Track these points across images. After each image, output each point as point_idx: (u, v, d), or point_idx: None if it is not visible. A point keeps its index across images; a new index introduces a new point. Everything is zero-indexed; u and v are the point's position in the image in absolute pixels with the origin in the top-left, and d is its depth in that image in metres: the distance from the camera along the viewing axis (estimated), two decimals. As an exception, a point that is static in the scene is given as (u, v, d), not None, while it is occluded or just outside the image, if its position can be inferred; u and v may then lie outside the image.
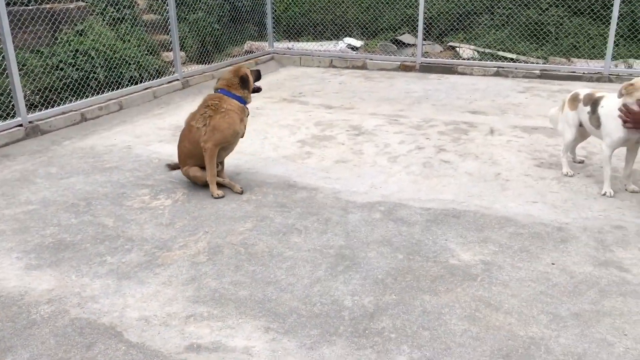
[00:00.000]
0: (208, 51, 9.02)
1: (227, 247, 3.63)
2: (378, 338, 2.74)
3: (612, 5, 8.14)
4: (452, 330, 2.79)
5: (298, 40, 10.79)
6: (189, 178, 4.55)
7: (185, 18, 8.91)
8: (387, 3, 10.39)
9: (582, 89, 4.70)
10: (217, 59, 8.98)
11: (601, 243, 3.59)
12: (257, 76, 4.69)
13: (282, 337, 2.76)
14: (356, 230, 3.82)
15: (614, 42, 8.21)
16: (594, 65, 8.57)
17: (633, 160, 4.38)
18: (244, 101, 4.48)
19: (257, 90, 4.63)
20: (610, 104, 4.26)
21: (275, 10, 10.77)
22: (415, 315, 2.90)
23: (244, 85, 4.45)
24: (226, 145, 4.46)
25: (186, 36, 8.78)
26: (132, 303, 3.05)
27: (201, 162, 4.43)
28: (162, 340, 2.75)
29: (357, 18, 10.66)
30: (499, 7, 9.84)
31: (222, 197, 4.35)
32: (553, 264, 3.37)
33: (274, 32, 10.37)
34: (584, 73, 8.39)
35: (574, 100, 4.62)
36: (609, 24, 8.19)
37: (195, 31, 8.96)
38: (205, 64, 8.66)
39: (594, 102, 4.40)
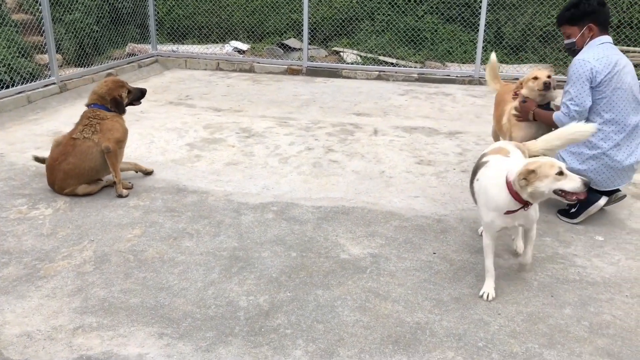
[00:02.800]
0: (87, 54, 8.60)
1: (115, 255, 3.51)
2: (274, 335, 2.79)
3: (479, 13, 8.80)
4: (345, 321, 2.90)
5: (183, 43, 10.59)
6: (76, 195, 4.35)
7: (60, 19, 8.43)
8: (272, 7, 10.50)
9: (498, 143, 3.53)
10: (97, 61, 8.58)
11: (476, 232, 3.89)
12: (138, 96, 4.65)
13: (177, 341, 2.73)
14: (249, 231, 3.84)
15: (483, 47, 8.89)
16: (466, 69, 9.21)
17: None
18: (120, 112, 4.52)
19: (136, 104, 4.68)
20: (490, 174, 3.13)
21: (158, 12, 10.49)
22: (309, 310, 2.99)
23: (117, 108, 4.44)
24: (121, 147, 4.45)
25: (62, 38, 8.31)
26: (11, 319, 2.86)
27: (88, 178, 4.31)
28: (48, 355, 2.61)
29: (243, 21, 10.66)
30: (379, 14, 10.29)
31: (127, 195, 4.39)
32: (434, 253, 3.61)
33: (158, 34, 10.10)
34: (457, 76, 9.00)
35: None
36: (478, 30, 8.86)
37: (73, 32, 8.51)
38: (85, 67, 8.25)
39: (475, 169, 3.32)
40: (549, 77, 4.16)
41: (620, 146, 3.86)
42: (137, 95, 4.60)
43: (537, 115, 4.15)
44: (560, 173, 2.83)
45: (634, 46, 9.46)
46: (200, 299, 3.07)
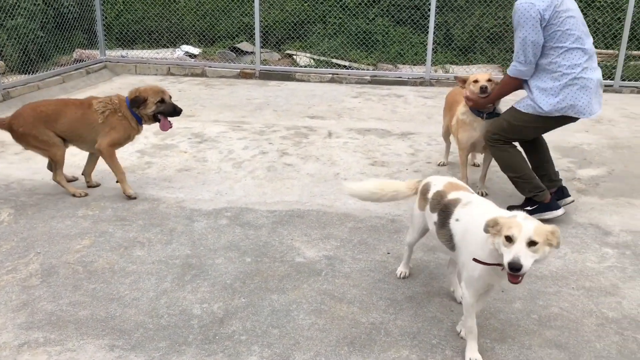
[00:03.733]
0: (32, 60, 8.33)
1: (63, 267, 3.40)
2: (229, 342, 2.76)
3: (429, 16, 8.96)
4: (300, 325, 2.90)
5: (133, 48, 10.39)
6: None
7: (1, 24, 8.15)
8: (224, 11, 10.42)
9: (435, 178, 3.04)
10: (42, 68, 8.32)
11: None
12: (170, 111, 4.48)
13: (129, 353, 2.66)
14: (202, 238, 3.79)
15: (433, 49, 9.05)
16: (417, 71, 9.36)
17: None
18: (139, 118, 4.45)
19: (156, 120, 4.50)
20: (474, 213, 2.64)
21: (106, 17, 10.27)
22: (264, 316, 2.96)
23: (133, 104, 4.37)
24: (116, 148, 4.49)
25: (5, 44, 8.03)
26: (-48, 338, 2.74)
27: (62, 132, 4.37)
28: (-9, 374, 2.51)
29: (194, 25, 10.54)
30: (330, 17, 10.35)
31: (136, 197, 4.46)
32: (389, 253, 3.64)
33: (106, 39, 9.88)
34: (408, 78, 9.13)
35: (423, 195, 3.03)
36: (428, 33, 9.01)
37: (16, 39, 8.23)
38: (29, 73, 7.99)
39: (443, 208, 2.82)
40: (489, 80, 4.23)
41: (587, 68, 3.87)
42: (169, 110, 4.46)
43: (495, 95, 4.17)
44: (509, 239, 2.28)
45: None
46: (152, 308, 3.01)
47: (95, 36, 9.67)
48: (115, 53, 9.93)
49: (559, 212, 4.09)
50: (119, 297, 3.10)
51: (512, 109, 4.09)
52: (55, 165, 4.42)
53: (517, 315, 3.00)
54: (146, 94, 4.36)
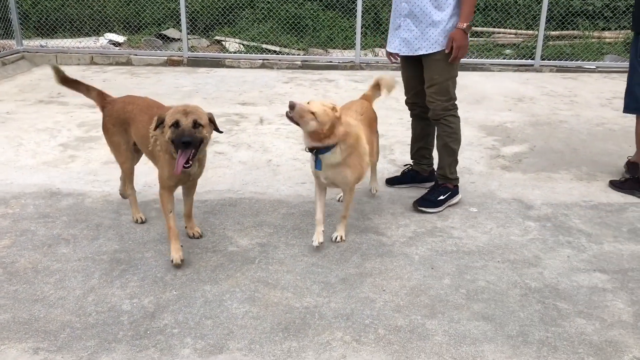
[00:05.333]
0: (-61, 51, 7.80)
1: (-19, 269, 3.22)
2: (161, 336, 2.70)
3: None
4: (234, 314, 2.87)
5: (53, 37, 9.91)
6: None
7: None
8: (148, -3, 10.09)
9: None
10: (-48, 59, 7.81)
11: (361, 213, 4.00)
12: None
13: (55, 355, 2.56)
14: (131, 232, 3.69)
15: (362, 33, 9.11)
16: (347, 55, 9.41)
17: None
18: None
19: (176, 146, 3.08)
20: None
21: (22, 5, 9.73)
22: (197, 307, 2.92)
23: (156, 125, 3.18)
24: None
25: None
26: None
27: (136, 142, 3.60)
28: None
29: (118, 12, 10.17)
30: (259, 2, 10.22)
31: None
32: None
33: (22, 28, 9.37)
34: (339, 62, 9.17)
35: None
36: (356, 16, 9.06)
37: None
38: (-63, 65, 7.49)
39: None
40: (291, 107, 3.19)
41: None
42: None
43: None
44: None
45: (498, 27, 10.14)
46: (79, 307, 2.90)
47: (11, 25, 9.15)
48: (34, 43, 9.45)
49: (459, 196, 4.19)
50: (43, 298, 2.98)
51: (439, 60, 3.85)
52: (123, 176, 3.87)
53: (446, 291, 3.09)
54: (165, 113, 3.16)
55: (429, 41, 3.86)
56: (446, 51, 3.83)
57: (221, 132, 3.43)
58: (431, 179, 4.36)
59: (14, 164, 4.80)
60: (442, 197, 4.06)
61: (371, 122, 3.87)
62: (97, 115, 6.21)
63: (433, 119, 4.03)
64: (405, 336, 2.72)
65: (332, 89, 7.71)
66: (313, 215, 3.94)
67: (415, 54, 3.94)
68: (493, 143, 5.55)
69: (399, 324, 2.81)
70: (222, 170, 4.76)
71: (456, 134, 4.03)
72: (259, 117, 6.35)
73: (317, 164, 3.37)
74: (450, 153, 4.06)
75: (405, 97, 4.32)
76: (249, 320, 2.83)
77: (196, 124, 3.05)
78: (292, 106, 3.11)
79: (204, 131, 3.11)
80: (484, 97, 5.25)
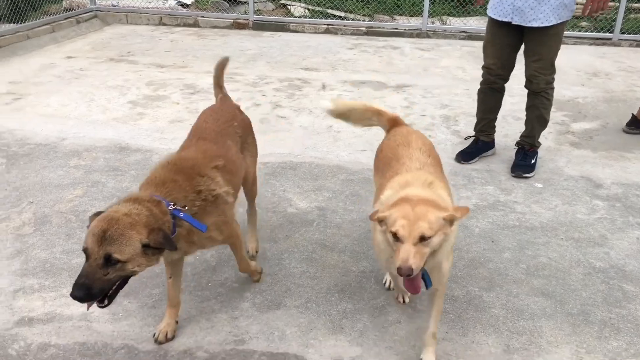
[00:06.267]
0: (20, 8, 8.12)
1: (56, 216, 3.41)
2: (221, 289, 2.80)
3: (426, -35, 8.73)
4: (292, 273, 2.93)
5: (123, -3, 10.13)
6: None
7: (-13, -30, 7.91)
8: (216, -41, 10.13)
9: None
10: (32, 17, 8.13)
11: (421, 182, 3.96)
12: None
13: (122, 299, 2.69)
14: (195, 188, 3.79)
15: (430, 0, 8.86)
16: (414, 22, 9.19)
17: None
18: None
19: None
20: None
21: (95, -36, 9.96)
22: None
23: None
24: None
25: (-9, -9, 7.82)
26: (-54, 284, 2.76)
27: None
28: (-13, 319, 2.55)
29: (186, -26, 10.25)
30: (326, -34, 10.08)
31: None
32: (381, 204, 3.66)
33: (96, -13, 9.61)
34: (405, 30, 8.98)
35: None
36: (425, -17, 8.80)
37: (2, -14, 8.00)
38: (18, 22, 7.81)
39: None
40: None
41: None
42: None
43: None
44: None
45: None
46: (145, 257, 3.03)
47: (85, -16, 9.41)
48: (106, 2, 9.70)
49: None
50: (112, 246, 3.12)
51: (552, 35, 3.73)
52: None
53: (506, 265, 3.05)
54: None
55: (545, 13, 3.67)
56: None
57: (175, 249, 2.17)
58: (493, 146, 4.43)
59: (86, 118, 5.00)
60: (534, 161, 4.13)
61: (438, 160, 2.69)
62: (165, 74, 6.39)
63: (534, 91, 3.98)
64: (462, 306, 2.70)
65: (397, 57, 7.58)
66: (371, 183, 3.94)
67: (528, 25, 3.74)
68: (563, 118, 5.34)
69: (456, 294, 2.79)
70: (283, 134, 4.80)
71: (551, 105, 4.09)
72: (321, 82, 6.34)
73: (428, 282, 2.21)
74: (542, 123, 4.14)
75: (488, 68, 4.08)
76: (306, 279, 2.88)
77: (110, 261, 2.00)
78: (408, 273, 1.93)
79: (128, 266, 2.03)
80: (557, 70, 4.96)
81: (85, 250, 2.03)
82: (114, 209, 2.10)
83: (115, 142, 4.50)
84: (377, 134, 4.80)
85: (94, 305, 2.09)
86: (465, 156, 4.30)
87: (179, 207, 2.22)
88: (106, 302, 2.10)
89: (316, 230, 3.34)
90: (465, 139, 4.57)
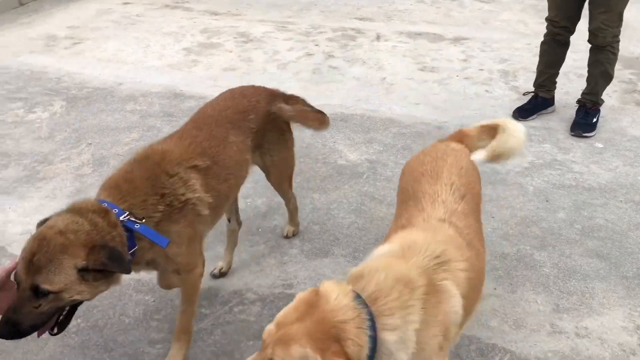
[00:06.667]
0: (78, -47, 8.20)
1: (113, 158, 3.52)
2: (271, 235, 2.85)
3: None
4: (340, 223, 2.95)
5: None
6: None
7: None
8: None
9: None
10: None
11: (475, 138, 3.87)
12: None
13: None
14: (247, 136, 3.83)
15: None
16: (475, -27, 8.80)
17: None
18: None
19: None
20: None
21: None
22: (305, 212, 3.03)
23: None
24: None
25: None
26: (14, 218, 2.92)
27: None
28: (50, 253, 2.68)
29: None
30: None
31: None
32: (432, 159, 3.60)
33: None
34: (465, -20, 8.61)
35: None
36: None
37: None
38: (76, -33, 7.90)
39: None
40: None
41: None
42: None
43: None
44: None
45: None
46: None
47: None
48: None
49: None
50: (166, 189, 3.21)
51: None
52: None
53: (560, 225, 2.97)
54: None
55: None
56: None
57: (127, 271, 1.77)
58: (552, 103, 4.27)
59: (142, 64, 5.07)
60: (595, 120, 3.99)
61: (477, 200, 2.05)
62: (218, 22, 6.38)
63: (599, 45, 3.80)
64: (512, 264, 2.67)
65: (456, 8, 7.30)
66: (424, 137, 3.88)
67: None
68: (630, 77, 5.06)
69: (506, 252, 2.75)
70: (335, 85, 4.75)
71: (616, 60, 3.91)
72: (375, 33, 6.19)
73: None
74: (607, 79, 3.97)
75: (553, 20, 3.94)
76: (354, 230, 2.90)
77: (39, 292, 1.68)
78: None
79: (64, 296, 1.70)
80: (626, 25, 4.65)
81: (15, 277, 1.69)
82: (51, 223, 1.74)
83: (170, 88, 4.56)
84: (431, 87, 4.70)
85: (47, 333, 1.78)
86: (523, 113, 4.16)
87: (133, 217, 1.80)
88: (56, 330, 1.79)
89: (366, 182, 3.33)
90: (523, 94, 4.41)
